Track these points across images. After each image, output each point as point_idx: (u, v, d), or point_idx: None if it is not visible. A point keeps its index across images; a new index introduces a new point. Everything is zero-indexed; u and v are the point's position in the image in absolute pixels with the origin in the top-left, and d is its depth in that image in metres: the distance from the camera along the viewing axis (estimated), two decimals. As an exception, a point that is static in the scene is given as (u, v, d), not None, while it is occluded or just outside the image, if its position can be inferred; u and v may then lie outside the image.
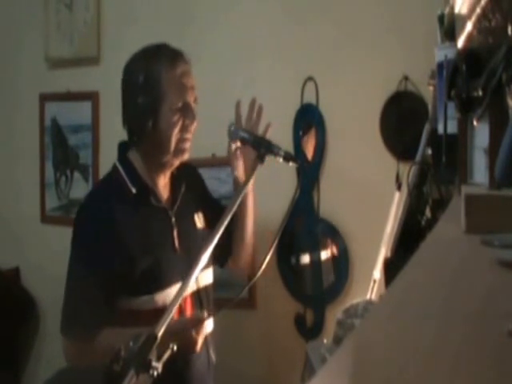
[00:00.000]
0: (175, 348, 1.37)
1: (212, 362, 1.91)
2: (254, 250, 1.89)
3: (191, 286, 1.73)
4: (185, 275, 1.49)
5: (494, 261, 0.80)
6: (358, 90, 2.58)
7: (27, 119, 3.33)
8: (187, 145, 1.71)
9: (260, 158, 1.57)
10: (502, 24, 1.21)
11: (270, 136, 1.68)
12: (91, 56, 3.10)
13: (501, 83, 1.11)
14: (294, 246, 2.73)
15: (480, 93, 1.21)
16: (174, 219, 1.73)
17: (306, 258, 2.73)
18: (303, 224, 2.71)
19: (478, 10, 1.38)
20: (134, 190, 1.67)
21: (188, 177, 1.86)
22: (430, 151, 2.09)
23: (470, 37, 1.52)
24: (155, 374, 1.31)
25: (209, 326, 1.84)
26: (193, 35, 2.87)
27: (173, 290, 1.66)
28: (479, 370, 0.49)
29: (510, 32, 1.12)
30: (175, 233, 1.73)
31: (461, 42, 1.61)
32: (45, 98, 3.27)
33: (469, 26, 1.50)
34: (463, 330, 0.60)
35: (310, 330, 2.70)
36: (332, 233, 2.66)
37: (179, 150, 1.70)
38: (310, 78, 2.67)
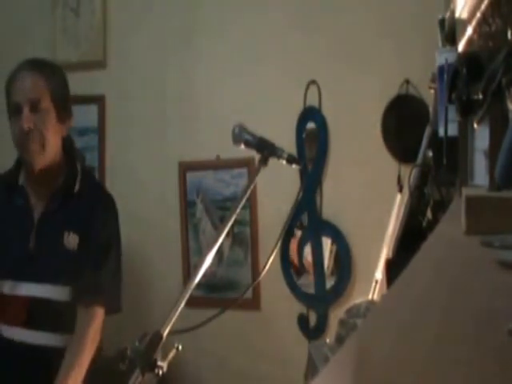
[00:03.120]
0: (180, 347, 1.39)
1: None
2: None
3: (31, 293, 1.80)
4: (34, 274, 1.76)
5: (494, 262, 0.81)
6: (360, 92, 2.60)
7: (32, 122, 3.34)
8: (32, 146, 1.81)
9: (263, 161, 1.58)
10: (502, 28, 1.23)
11: (273, 138, 1.69)
12: (97, 60, 3.11)
13: (501, 86, 1.12)
14: (297, 246, 2.74)
15: (480, 96, 1.22)
16: (36, 221, 1.85)
17: (308, 259, 2.74)
18: (306, 225, 2.72)
19: (478, 15, 1.39)
20: (4, 186, 1.88)
21: (82, 201, 1.88)
22: (430, 153, 2.10)
23: (470, 41, 1.54)
24: (160, 373, 1.33)
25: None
26: (198, 40, 2.88)
27: (16, 281, 1.80)
28: (479, 369, 0.49)
29: (509, 36, 1.14)
30: (33, 234, 1.84)
31: (461, 46, 1.63)
32: (50, 101, 3.28)
33: (469, 31, 1.52)
34: (463, 330, 0.59)
35: (312, 330, 2.71)
36: (334, 234, 2.67)
37: (25, 151, 1.83)
38: (313, 81, 2.68)
